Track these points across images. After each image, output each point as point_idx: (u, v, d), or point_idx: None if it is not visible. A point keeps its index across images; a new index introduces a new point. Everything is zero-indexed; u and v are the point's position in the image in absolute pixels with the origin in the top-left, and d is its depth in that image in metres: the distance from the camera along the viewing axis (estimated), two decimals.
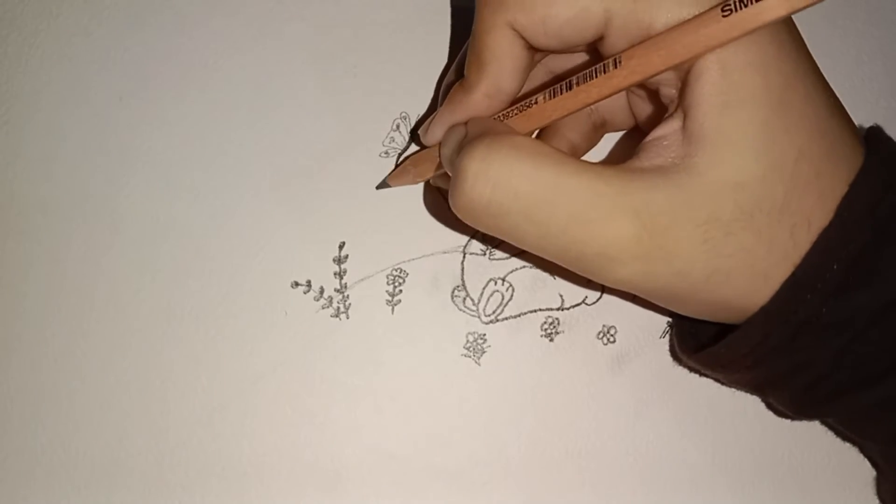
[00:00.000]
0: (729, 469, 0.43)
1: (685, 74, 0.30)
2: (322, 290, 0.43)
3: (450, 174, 0.33)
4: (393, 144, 0.44)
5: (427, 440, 0.43)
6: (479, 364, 0.43)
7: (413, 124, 0.44)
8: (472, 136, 0.32)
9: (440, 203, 0.43)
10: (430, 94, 0.44)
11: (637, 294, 0.33)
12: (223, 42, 0.43)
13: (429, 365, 0.43)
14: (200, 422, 0.43)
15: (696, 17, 0.28)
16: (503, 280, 0.44)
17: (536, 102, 0.33)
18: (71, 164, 0.43)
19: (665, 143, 0.31)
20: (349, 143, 0.43)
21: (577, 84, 0.31)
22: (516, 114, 0.34)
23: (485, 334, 0.43)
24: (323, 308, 0.43)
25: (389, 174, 0.42)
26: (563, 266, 0.32)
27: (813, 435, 0.43)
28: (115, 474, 0.42)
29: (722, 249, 0.30)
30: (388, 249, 0.43)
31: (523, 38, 0.32)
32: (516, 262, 0.44)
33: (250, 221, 0.43)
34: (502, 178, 0.30)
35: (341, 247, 0.43)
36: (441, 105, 0.37)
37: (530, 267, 0.44)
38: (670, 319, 0.44)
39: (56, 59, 0.43)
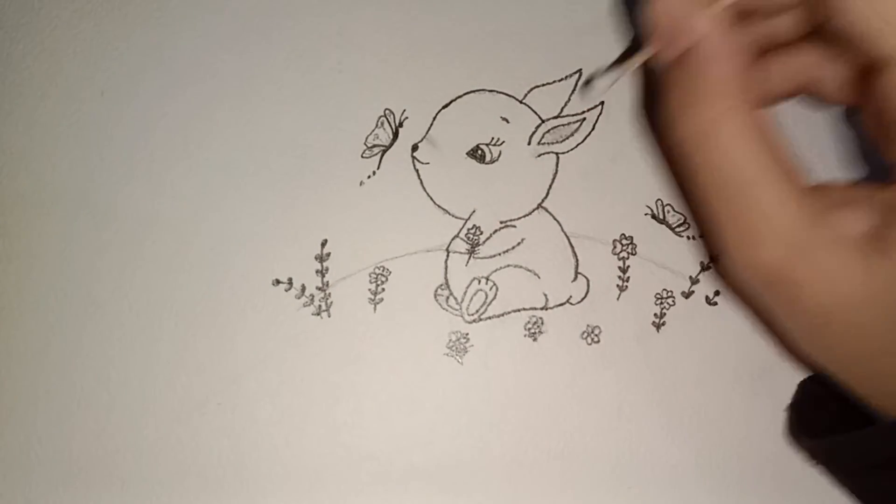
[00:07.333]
0: (713, 470, 0.43)
1: None
2: (304, 289, 0.43)
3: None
4: (377, 142, 0.43)
5: (408, 440, 0.43)
6: (461, 363, 0.43)
7: (398, 122, 0.43)
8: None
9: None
10: (415, 92, 0.43)
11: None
12: (206, 38, 0.43)
13: (411, 364, 0.43)
14: (180, 420, 0.42)
15: None
16: (487, 279, 0.43)
17: None
18: (51, 159, 0.42)
19: None
20: (332, 140, 0.43)
21: None
22: None
23: (468, 333, 0.43)
24: (304, 306, 0.43)
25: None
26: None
27: None
28: (91, 472, 0.42)
29: None
30: (370, 247, 0.43)
31: None
32: (500, 262, 0.43)
33: (232, 218, 0.43)
34: (728, 153, 0.30)
35: (323, 244, 0.43)
36: None
37: (514, 266, 0.43)
38: (655, 319, 0.43)
39: (38, 52, 0.43)
